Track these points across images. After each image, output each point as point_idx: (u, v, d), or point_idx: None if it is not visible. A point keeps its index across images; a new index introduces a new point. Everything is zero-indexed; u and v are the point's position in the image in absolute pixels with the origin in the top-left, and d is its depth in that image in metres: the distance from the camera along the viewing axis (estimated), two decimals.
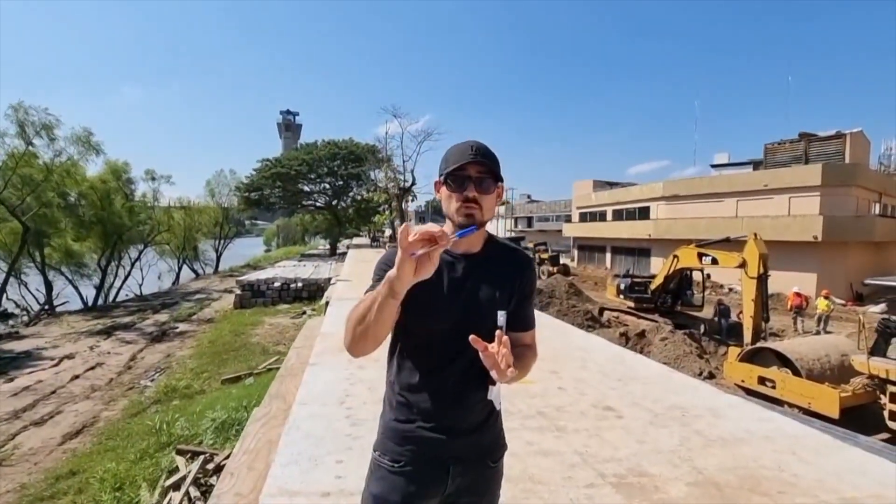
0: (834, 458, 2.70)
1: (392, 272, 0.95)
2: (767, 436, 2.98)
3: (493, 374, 1.02)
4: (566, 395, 3.71)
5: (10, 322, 18.41)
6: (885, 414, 6.77)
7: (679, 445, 2.82)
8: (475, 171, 1.15)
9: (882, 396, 6.88)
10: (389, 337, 1.25)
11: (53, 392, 9.57)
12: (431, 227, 0.92)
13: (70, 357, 12.28)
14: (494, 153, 1.19)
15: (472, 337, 1.01)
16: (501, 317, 1.21)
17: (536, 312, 1.39)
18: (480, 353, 1.03)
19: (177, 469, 5.01)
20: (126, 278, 27.74)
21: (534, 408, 3.40)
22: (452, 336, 1.16)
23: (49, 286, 21.82)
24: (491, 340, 1.18)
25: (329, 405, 3.42)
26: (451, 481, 1.22)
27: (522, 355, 1.24)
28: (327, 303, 9.11)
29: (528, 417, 3.21)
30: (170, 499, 4.57)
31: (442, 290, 1.20)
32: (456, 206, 1.16)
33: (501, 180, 1.20)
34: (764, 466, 2.57)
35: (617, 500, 2.23)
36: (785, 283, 16.87)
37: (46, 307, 21.16)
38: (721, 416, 3.30)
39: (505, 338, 1.02)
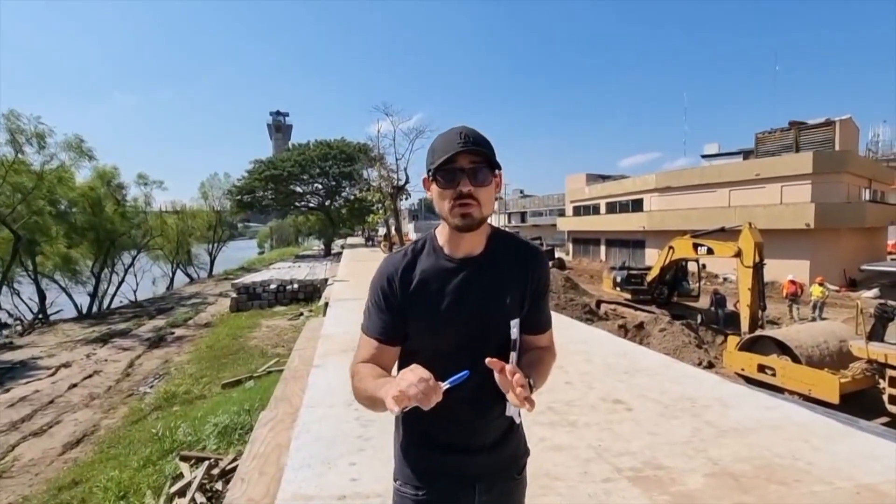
0: (845, 444, 2.71)
1: (382, 396, 0.91)
2: (777, 424, 2.99)
3: (510, 398, 0.92)
4: (574, 389, 3.70)
5: (4, 332, 18.18)
6: (885, 398, 6.85)
7: (692, 436, 2.82)
8: (467, 161, 1.01)
9: (881, 381, 6.96)
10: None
11: (51, 402, 9.46)
12: (419, 385, 0.85)
13: (67, 366, 12.15)
14: (487, 138, 1.05)
15: (487, 360, 0.92)
16: (515, 328, 1.12)
17: None
18: (496, 374, 0.93)
19: (181, 475, 4.97)
20: (120, 284, 27.47)
21: (543, 403, 3.39)
22: (463, 352, 1.06)
23: (42, 295, 21.55)
24: (504, 353, 1.11)
25: (337, 406, 3.39)
26: (477, 498, 1.16)
27: (541, 360, 1.16)
28: (326, 304, 9.06)
29: (538, 413, 3.20)
30: None
31: (446, 304, 1.09)
32: (449, 205, 1.03)
33: (499, 168, 1.06)
34: (778, 455, 2.57)
35: (635, 494, 2.23)
36: (778, 270, 17.02)
37: (40, 316, 20.91)
38: (729, 405, 3.31)
39: (518, 375, 0.89)
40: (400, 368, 1.12)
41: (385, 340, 1.12)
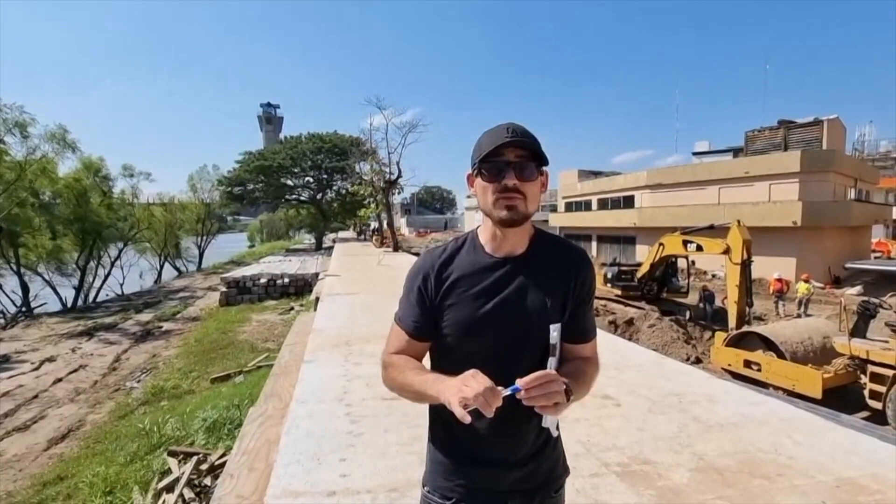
0: (827, 438, 2.77)
1: (444, 395, 0.90)
2: (762, 419, 3.05)
3: (538, 409, 0.89)
4: None
5: None
6: (866, 393, 6.99)
7: (678, 432, 2.86)
8: (514, 154, 1.00)
9: (862, 376, 7.10)
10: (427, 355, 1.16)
11: (35, 396, 9.31)
12: (485, 394, 0.85)
13: (51, 360, 11.96)
14: (534, 135, 1.04)
15: (519, 381, 0.89)
16: (555, 331, 1.07)
17: None
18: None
19: (169, 471, 4.93)
20: (106, 278, 27.06)
21: None
22: (498, 356, 1.03)
23: (25, 288, 21.18)
24: (543, 358, 1.07)
25: (327, 402, 3.38)
26: None
27: (582, 372, 1.07)
28: (317, 299, 9.01)
29: None
30: (163, 501, 4.50)
31: (483, 304, 1.05)
32: (493, 199, 1.01)
33: (546, 164, 1.04)
34: (761, 450, 2.62)
35: (622, 489, 2.26)
36: (765, 267, 17.25)
37: (24, 309, 20.56)
38: (716, 401, 3.36)
39: (548, 377, 0.88)
40: (432, 367, 1.12)
41: (415, 336, 1.10)
